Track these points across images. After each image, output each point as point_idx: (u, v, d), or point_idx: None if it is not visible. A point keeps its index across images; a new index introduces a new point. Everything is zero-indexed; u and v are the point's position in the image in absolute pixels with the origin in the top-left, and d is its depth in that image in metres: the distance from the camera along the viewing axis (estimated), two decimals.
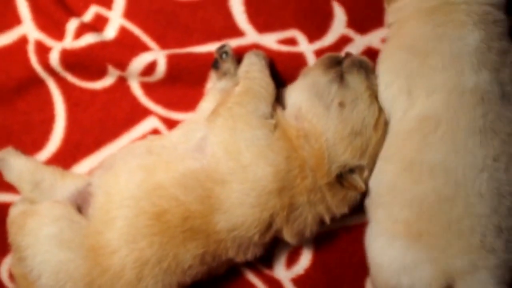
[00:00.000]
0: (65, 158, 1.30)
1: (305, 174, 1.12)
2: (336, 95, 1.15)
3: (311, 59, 1.30)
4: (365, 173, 1.15)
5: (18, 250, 1.15)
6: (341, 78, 1.17)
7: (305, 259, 1.29)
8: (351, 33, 1.32)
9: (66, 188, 1.22)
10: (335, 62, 1.21)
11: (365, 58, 1.22)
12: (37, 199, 1.22)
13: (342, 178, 1.14)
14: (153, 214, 1.09)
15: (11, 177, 1.26)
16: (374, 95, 1.17)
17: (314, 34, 1.32)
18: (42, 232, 1.12)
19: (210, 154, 1.11)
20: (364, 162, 1.14)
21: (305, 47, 1.31)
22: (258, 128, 1.12)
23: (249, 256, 1.17)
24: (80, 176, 1.26)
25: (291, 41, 1.32)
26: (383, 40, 1.31)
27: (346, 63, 1.20)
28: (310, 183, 1.12)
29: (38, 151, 1.30)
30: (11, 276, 1.23)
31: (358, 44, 1.31)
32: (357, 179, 1.14)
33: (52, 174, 1.24)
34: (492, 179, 1.07)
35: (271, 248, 1.23)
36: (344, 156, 1.12)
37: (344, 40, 1.31)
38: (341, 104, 1.14)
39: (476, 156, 1.07)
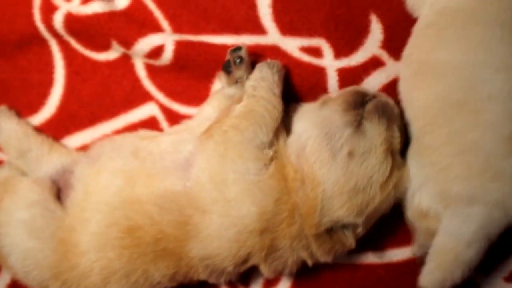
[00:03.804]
0: (58, 127, 1.24)
1: (292, 221, 1.02)
2: (347, 141, 1.01)
3: (332, 77, 1.15)
4: (359, 230, 1.04)
5: None
6: (358, 123, 1.03)
7: (283, 286, 1.22)
8: (384, 55, 1.15)
9: (52, 164, 1.17)
10: (359, 102, 1.05)
11: (391, 103, 1.06)
12: (22, 167, 1.19)
13: (331, 231, 1.04)
14: (125, 227, 1.04)
15: None
16: (390, 150, 1.03)
17: (342, 48, 1.15)
18: (14, 215, 1.10)
19: (194, 178, 1.02)
20: (360, 220, 1.02)
21: (329, 62, 1.15)
22: (251, 161, 1.01)
23: (222, 281, 1.11)
24: (68, 152, 1.20)
25: (315, 52, 1.16)
26: None
27: (369, 106, 1.05)
28: (296, 230, 1.02)
29: (33, 114, 1.24)
30: None
31: (389, 70, 1.14)
32: (347, 236, 1.04)
33: (40, 146, 1.19)
34: (509, 81, 0.92)
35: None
36: (339, 212, 1.01)
37: (374, 63, 1.14)
38: (350, 154, 1.01)
39: (493, 53, 0.93)
